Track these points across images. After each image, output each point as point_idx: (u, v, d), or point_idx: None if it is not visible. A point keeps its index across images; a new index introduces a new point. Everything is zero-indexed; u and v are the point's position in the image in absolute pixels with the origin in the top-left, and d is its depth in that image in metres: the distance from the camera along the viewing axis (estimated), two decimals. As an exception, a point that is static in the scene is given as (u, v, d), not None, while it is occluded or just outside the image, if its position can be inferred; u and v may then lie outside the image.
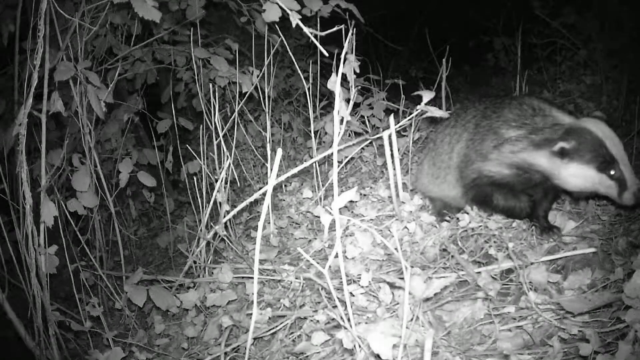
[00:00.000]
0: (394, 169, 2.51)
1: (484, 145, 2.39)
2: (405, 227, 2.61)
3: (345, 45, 2.33)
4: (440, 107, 3.04)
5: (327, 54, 2.28)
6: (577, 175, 2.15)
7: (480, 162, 2.40)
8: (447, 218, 2.63)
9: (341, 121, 2.30)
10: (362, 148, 3.61)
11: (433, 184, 2.74)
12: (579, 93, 4.44)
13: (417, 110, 2.30)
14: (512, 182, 2.35)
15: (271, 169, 2.52)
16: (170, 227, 3.93)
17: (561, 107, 2.35)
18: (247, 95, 3.31)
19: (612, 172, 2.09)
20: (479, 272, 2.11)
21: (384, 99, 3.70)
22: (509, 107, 2.38)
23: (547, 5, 4.96)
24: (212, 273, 2.69)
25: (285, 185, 3.71)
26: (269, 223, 3.01)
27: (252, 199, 2.69)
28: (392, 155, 2.47)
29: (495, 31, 5.72)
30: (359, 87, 3.66)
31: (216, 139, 3.02)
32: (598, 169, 2.11)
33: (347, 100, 2.81)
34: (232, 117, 3.30)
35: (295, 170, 2.68)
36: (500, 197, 2.42)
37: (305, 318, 2.20)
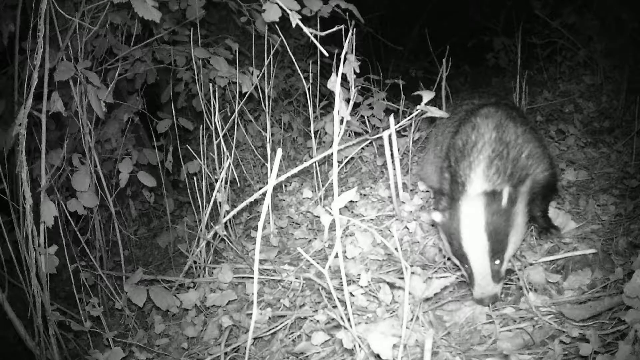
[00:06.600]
0: (394, 169, 2.51)
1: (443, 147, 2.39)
2: (405, 227, 2.61)
3: (345, 45, 2.34)
4: (440, 107, 3.05)
5: (327, 54, 2.28)
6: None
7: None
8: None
9: (341, 121, 2.30)
10: (362, 148, 3.61)
11: (436, 173, 2.73)
12: (579, 93, 4.43)
13: (417, 110, 2.30)
14: None
15: (271, 169, 2.52)
16: (170, 227, 3.93)
17: (491, 158, 2.09)
18: (247, 95, 3.31)
19: (464, 265, 1.99)
20: (479, 272, 2.11)
21: (384, 99, 3.70)
22: (474, 118, 2.29)
23: (547, 5, 4.96)
24: (212, 273, 2.70)
25: (285, 185, 3.71)
26: (269, 223, 3.01)
27: (252, 199, 2.69)
28: (392, 155, 2.47)
29: (495, 31, 5.72)
30: (359, 87, 3.66)
31: (216, 139, 3.02)
32: (454, 253, 2.04)
33: (347, 100, 2.82)
34: (232, 117, 3.30)
35: (295, 170, 2.68)
36: None
37: (305, 318, 2.20)
